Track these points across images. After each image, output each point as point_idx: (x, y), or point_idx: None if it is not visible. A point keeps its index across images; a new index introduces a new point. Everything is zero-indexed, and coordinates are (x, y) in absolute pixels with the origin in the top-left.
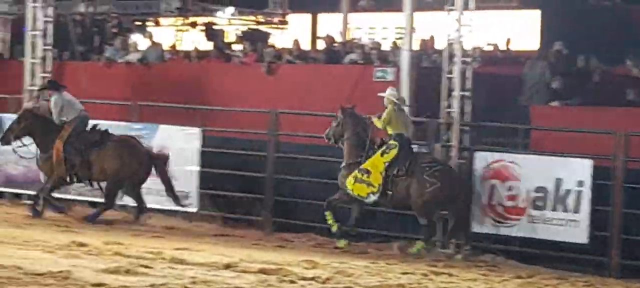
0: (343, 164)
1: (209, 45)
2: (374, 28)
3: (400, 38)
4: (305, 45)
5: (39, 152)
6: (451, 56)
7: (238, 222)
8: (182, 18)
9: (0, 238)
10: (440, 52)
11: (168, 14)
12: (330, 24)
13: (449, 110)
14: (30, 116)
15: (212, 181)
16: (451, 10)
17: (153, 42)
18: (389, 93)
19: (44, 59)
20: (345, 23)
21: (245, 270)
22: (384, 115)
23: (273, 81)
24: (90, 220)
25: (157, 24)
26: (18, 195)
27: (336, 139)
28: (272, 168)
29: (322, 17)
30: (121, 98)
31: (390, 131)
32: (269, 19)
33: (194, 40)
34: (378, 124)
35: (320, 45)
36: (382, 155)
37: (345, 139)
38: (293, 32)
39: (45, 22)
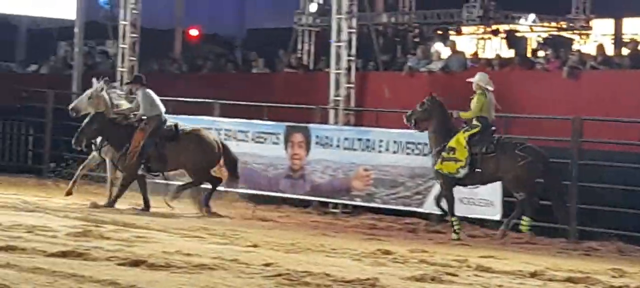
0: (432, 153)
1: (510, 53)
2: None
3: None
4: (609, 51)
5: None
6: None
7: (542, 230)
8: (483, 26)
9: (309, 246)
10: None
11: (470, 23)
12: (635, 28)
13: None
14: (102, 118)
15: None
16: None
17: (455, 51)
18: (478, 78)
19: (348, 69)
20: None
21: (551, 279)
22: (474, 103)
23: (575, 88)
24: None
25: (458, 32)
26: (324, 204)
27: (417, 122)
28: (576, 176)
29: (626, 22)
30: None
31: (464, 116)
32: (572, 24)
33: (496, 47)
34: (468, 115)
35: (625, 50)
36: (464, 132)
37: (431, 128)
38: (597, 37)
39: (350, 33)
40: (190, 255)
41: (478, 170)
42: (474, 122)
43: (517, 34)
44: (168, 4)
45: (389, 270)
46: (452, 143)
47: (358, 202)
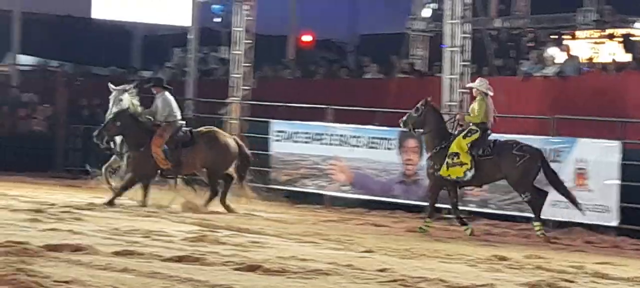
0: (427, 156)
1: (627, 57)
2: None
3: None
4: None
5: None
6: None
7: None
8: (598, 30)
9: (424, 251)
10: None
11: (584, 27)
12: None
13: None
14: (125, 115)
15: (633, 195)
16: None
17: (570, 55)
18: (479, 84)
19: (461, 74)
20: None
21: None
22: (476, 107)
23: None
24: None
25: (573, 36)
26: (438, 209)
27: (413, 126)
28: None
29: None
30: (537, 112)
31: (472, 119)
32: None
33: (611, 52)
34: (474, 119)
35: None
36: (464, 137)
37: (426, 130)
38: None
39: (463, 38)
40: (305, 260)
41: (479, 172)
42: (472, 126)
43: (634, 38)
44: (281, 10)
45: (504, 276)
46: (454, 148)
47: (472, 208)
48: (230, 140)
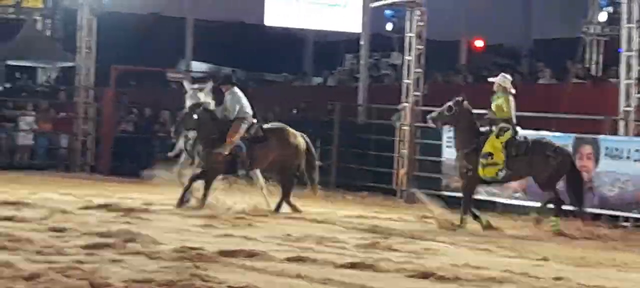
0: (458, 154)
1: None
2: None
3: None
4: None
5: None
6: None
7: None
8: None
9: (600, 260)
10: None
11: None
12: None
13: None
14: (202, 109)
15: None
16: None
17: None
18: (502, 80)
19: (638, 79)
20: None
21: None
22: (504, 103)
23: None
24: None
25: None
26: (615, 217)
27: (443, 123)
28: None
29: None
30: None
31: (500, 115)
32: None
33: None
34: (505, 114)
35: None
36: (497, 137)
37: (459, 128)
38: None
39: None
40: (479, 268)
41: (509, 171)
42: (504, 124)
43: None
44: (453, 16)
45: None
46: (488, 148)
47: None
48: (300, 138)
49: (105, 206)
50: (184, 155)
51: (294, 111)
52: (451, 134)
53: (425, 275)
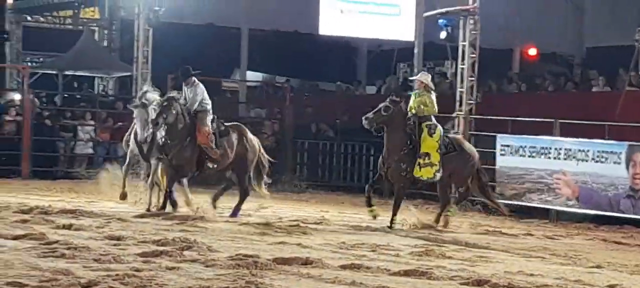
0: (395, 158)
1: None
2: None
3: None
4: None
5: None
6: None
7: None
8: None
9: None
10: None
11: None
12: None
13: None
14: (176, 102)
15: None
16: None
17: None
18: (425, 77)
19: None
20: None
21: None
22: (428, 100)
23: None
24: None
25: None
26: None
27: (377, 125)
28: None
29: None
30: None
31: (422, 112)
32: None
33: None
34: (432, 111)
35: None
36: (431, 135)
37: (392, 129)
38: None
39: None
40: (533, 276)
41: (443, 171)
42: (431, 122)
43: None
44: (506, 24)
45: None
46: (425, 148)
47: None
48: (255, 139)
49: (160, 214)
50: (130, 155)
51: (345, 118)
52: (506, 141)
53: (479, 283)
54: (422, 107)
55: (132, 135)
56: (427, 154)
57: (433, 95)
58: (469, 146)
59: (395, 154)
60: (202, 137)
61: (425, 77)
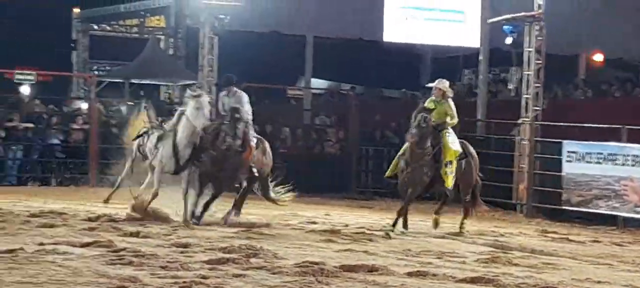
0: (420, 162)
1: None
2: None
3: None
4: None
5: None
6: None
7: None
8: None
9: None
10: None
11: None
12: None
13: None
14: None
15: None
16: None
17: None
18: (442, 84)
19: None
20: None
21: None
22: (453, 109)
23: None
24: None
25: None
26: None
27: (421, 140)
28: None
29: None
30: None
31: (450, 125)
32: None
33: None
34: (455, 122)
35: None
36: (451, 145)
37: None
38: None
39: None
40: (600, 283)
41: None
42: (450, 130)
43: None
44: (572, 30)
45: None
46: (449, 157)
47: None
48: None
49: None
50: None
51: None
52: (572, 148)
53: None
54: (448, 119)
55: (157, 142)
56: (451, 162)
57: (451, 103)
58: (473, 150)
59: (419, 159)
60: (249, 153)
61: (443, 85)
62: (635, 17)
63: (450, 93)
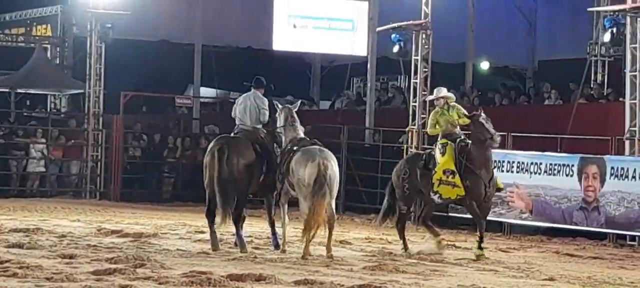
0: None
1: None
2: None
3: None
4: None
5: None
6: None
7: None
8: None
9: (606, 279)
10: None
11: None
12: None
13: None
14: None
15: None
16: None
17: None
18: (444, 92)
19: None
20: None
21: None
22: (460, 108)
23: None
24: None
25: None
26: (621, 236)
27: None
28: None
29: None
30: None
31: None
32: None
33: None
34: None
35: None
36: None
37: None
38: None
39: None
40: None
41: None
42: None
43: None
44: (458, 38)
45: None
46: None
47: None
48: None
49: (114, 232)
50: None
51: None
52: None
53: None
54: (461, 122)
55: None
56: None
57: (458, 105)
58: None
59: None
60: None
61: (444, 93)
62: (520, 25)
63: (452, 99)
